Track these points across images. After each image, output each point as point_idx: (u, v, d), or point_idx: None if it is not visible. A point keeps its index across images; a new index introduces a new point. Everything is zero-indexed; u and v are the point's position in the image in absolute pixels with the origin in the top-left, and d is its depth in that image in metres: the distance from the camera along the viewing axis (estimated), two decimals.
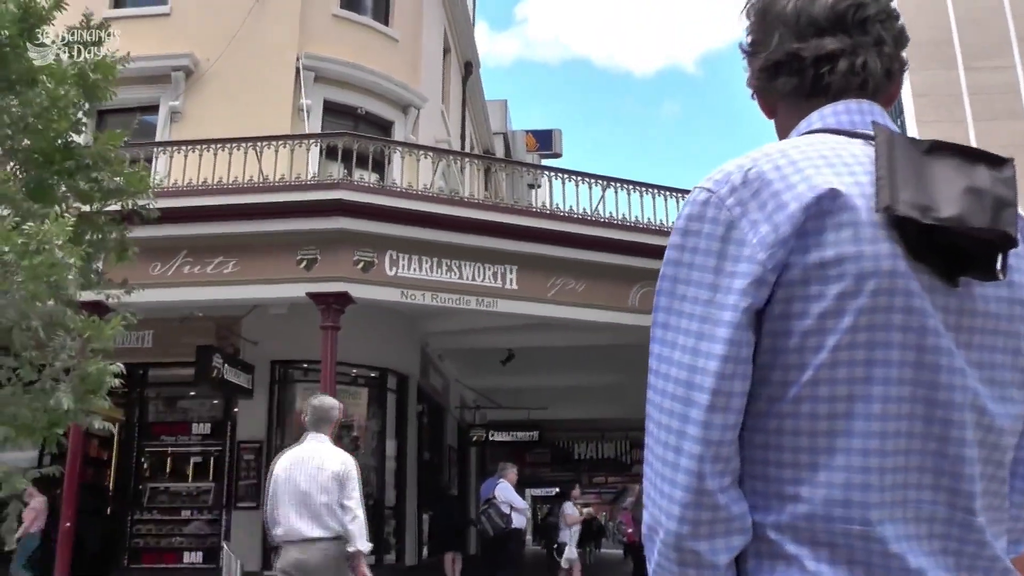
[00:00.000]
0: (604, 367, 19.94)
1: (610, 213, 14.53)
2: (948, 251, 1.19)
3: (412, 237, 12.34)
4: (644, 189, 15.07)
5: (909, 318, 1.18)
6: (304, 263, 11.87)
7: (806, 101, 1.41)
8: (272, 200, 11.92)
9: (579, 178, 14.63)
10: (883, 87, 1.40)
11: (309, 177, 12.66)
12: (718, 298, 1.21)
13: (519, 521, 13.01)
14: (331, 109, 16.27)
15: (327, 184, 12.38)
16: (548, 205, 14.13)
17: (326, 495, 5.83)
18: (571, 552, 14.25)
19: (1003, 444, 1.25)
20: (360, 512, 5.91)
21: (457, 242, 12.68)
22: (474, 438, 22.27)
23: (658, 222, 14.83)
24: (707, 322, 1.21)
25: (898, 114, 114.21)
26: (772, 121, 1.53)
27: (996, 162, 1.22)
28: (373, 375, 15.07)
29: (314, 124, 15.55)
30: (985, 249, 1.18)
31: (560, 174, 14.82)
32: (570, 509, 15.48)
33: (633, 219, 14.62)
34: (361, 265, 12.01)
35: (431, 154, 14.45)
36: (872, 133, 1.29)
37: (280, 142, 12.87)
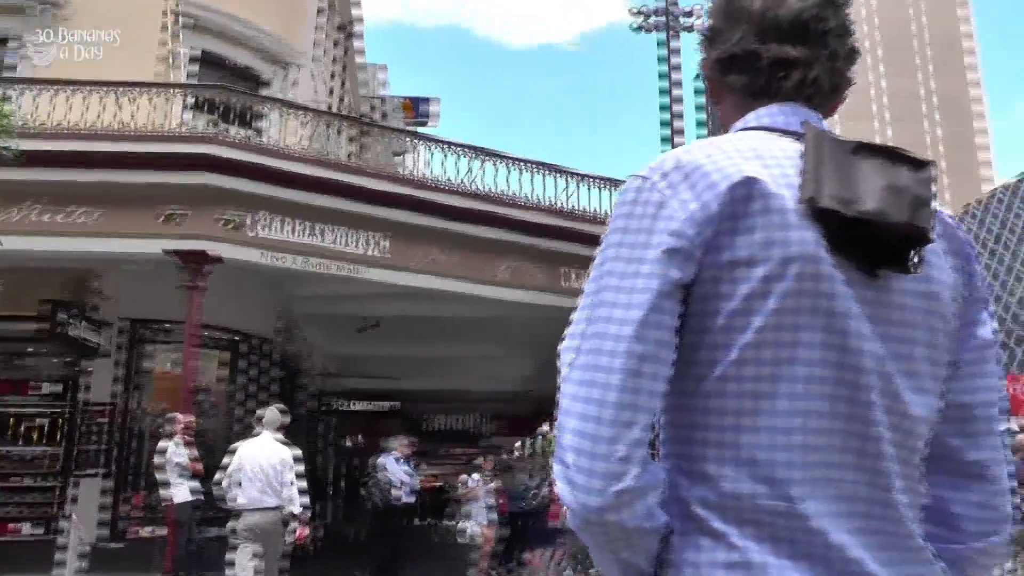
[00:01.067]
0: (465, 339, 19.97)
1: (488, 186, 14.48)
2: (868, 244, 1.25)
3: (283, 198, 11.97)
4: (522, 164, 15.06)
5: (832, 303, 1.23)
6: (169, 218, 11.31)
7: (752, 99, 1.44)
8: (138, 150, 11.29)
9: (458, 149, 14.48)
10: (827, 100, 1.45)
11: (178, 129, 12.03)
12: (644, 269, 1.24)
13: (407, 496, 12.74)
14: (204, 60, 15.65)
15: (197, 137, 11.84)
16: (417, 173, 13.96)
17: (276, 475, 8.61)
18: (473, 527, 13.91)
19: (916, 431, 1.30)
20: (295, 488, 8.69)
21: (329, 206, 12.39)
22: (331, 407, 21.93)
23: (534, 198, 14.85)
24: (633, 292, 1.24)
25: None
26: (716, 104, 1.57)
27: (917, 164, 1.29)
28: (233, 338, 14.58)
29: (186, 74, 14.86)
30: (903, 244, 1.25)
31: (438, 144, 14.61)
32: (472, 482, 14.81)
33: (510, 194, 14.60)
34: (229, 224, 11.55)
35: (307, 114, 13.97)
36: (798, 131, 1.36)
37: (150, 89, 12.21)
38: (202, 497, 10.05)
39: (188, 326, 11.24)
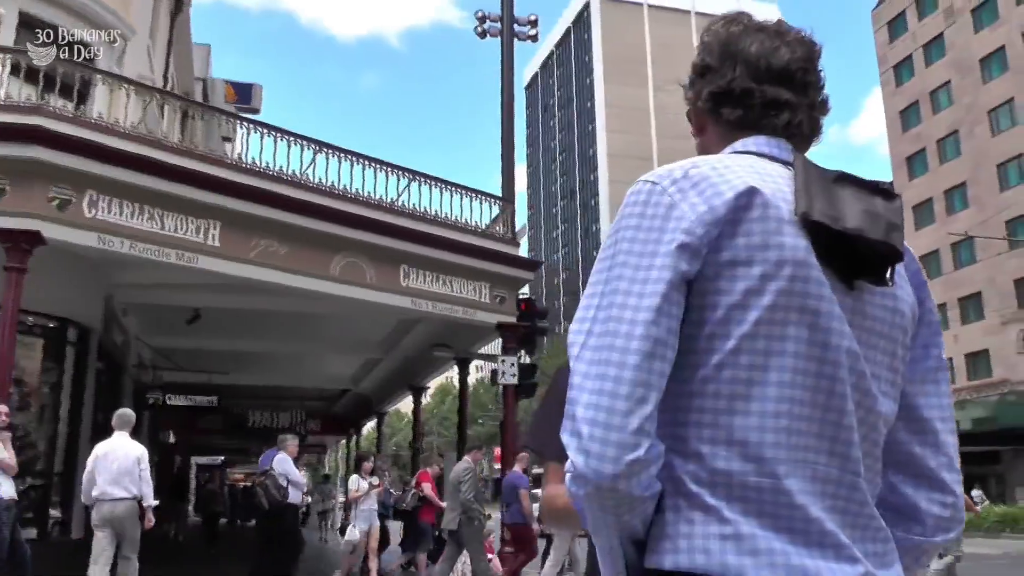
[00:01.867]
0: (289, 335, 19.68)
1: (319, 179, 14.30)
2: (848, 258, 1.43)
3: (116, 179, 11.32)
4: (355, 158, 14.94)
5: (819, 304, 1.40)
6: None
7: (740, 131, 1.62)
8: None
9: (291, 138, 14.19)
10: (805, 144, 1.64)
11: (1, 97, 11.30)
12: (658, 261, 1.39)
13: (295, 496, 12.37)
14: (27, 24, 14.65)
15: (25, 107, 11.05)
16: (244, 160, 13.62)
17: (133, 468, 9.50)
18: (352, 534, 13.47)
19: (879, 427, 1.48)
20: (148, 482, 9.64)
21: (163, 189, 11.81)
22: (150, 400, 21.12)
23: (365, 193, 14.77)
24: (648, 282, 1.39)
25: (589, 121, 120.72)
26: (695, 138, 1.75)
27: (888, 195, 1.49)
28: (52, 325, 13.74)
29: (6, 38, 13.97)
30: (878, 260, 1.45)
31: (273, 132, 14.25)
32: (355, 483, 14.40)
33: (342, 187, 14.47)
34: (57, 202, 10.90)
35: (139, 90, 13.33)
36: (788, 159, 1.54)
37: None
38: (15, 497, 9.45)
39: (7, 311, 10.46)
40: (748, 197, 1.41)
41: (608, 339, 1.37)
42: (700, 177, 1.45)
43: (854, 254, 1.43)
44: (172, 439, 31.82)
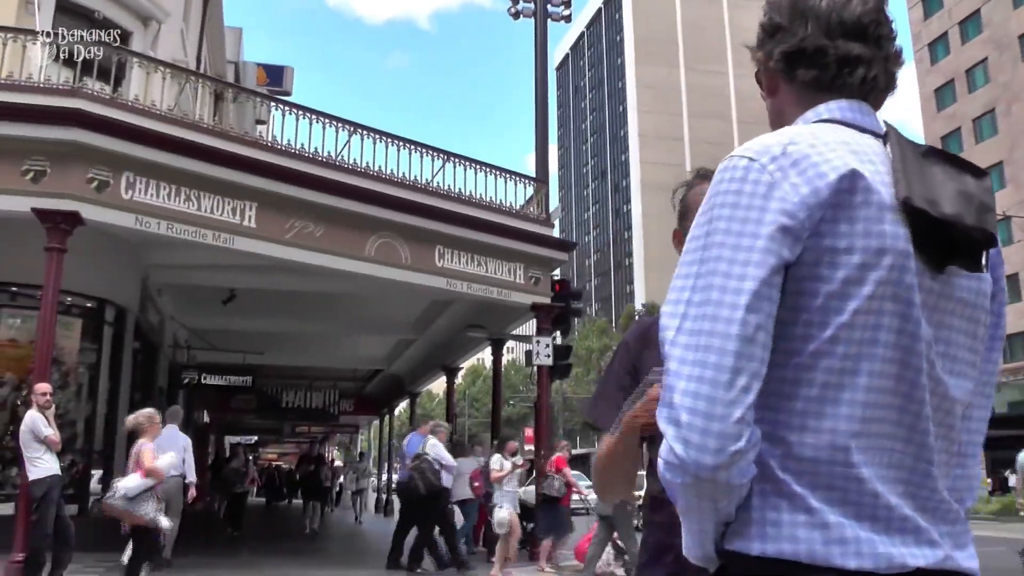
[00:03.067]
0: (323, 315, 19.77)
1: (354, 159, 14.31)
2: (942, 243, 1.39)
3: (153, 160, 11.37)
4: (390, 140, 14.91)
5: (912, 294, 1.38)
6: (31, 174, 10.61)
7: (817, 93, 1.56)
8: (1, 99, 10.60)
9: (325, 120, 14.19)
10: (881, 98, 1.59)
11: (41, 80, 11.36)
12: (759, 243, 1.35)
13: (447, 479, 12.60)
14: (64, 8, 14.76)
15: (65, 90, 11.10)
16: (279, 141, 13.61)
17: (181, 454, 11.57)
18: (501, 513, 13.25)
19: (953, 412, 1.46)
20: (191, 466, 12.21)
21: (199, 171, 11.86)
22: (185, 380, 21.29)
23: (400, 174, 14.76)
24: (748, 264, 1.34)
25: (620, 101, 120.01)
26: (766, 100, 1.69)
27: (978, 173, 1.45)
28: (90, 305, 13.88)
29: (44, 23, 14.03)
30: (970, 245, 1.41)
31: (307, 113, 14.24)
32: (497, 463, 13.70)
33: (376, 168, 14.46)
34: (95, 184, 10.94)
35: (173, 73, 13.31)
36: (874, 130, 1.50)
37: (6, 35, 11.39)
38: (59, 473, 9.58)
39: (47, 291, 10.56)
40: (851, 180, 1.37)
41: (707, 323, 1.34)
42: (800, 155, 1.40)
43: (949, 239, 1.39)
44: (206, 419, 32.12)
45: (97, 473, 13.90)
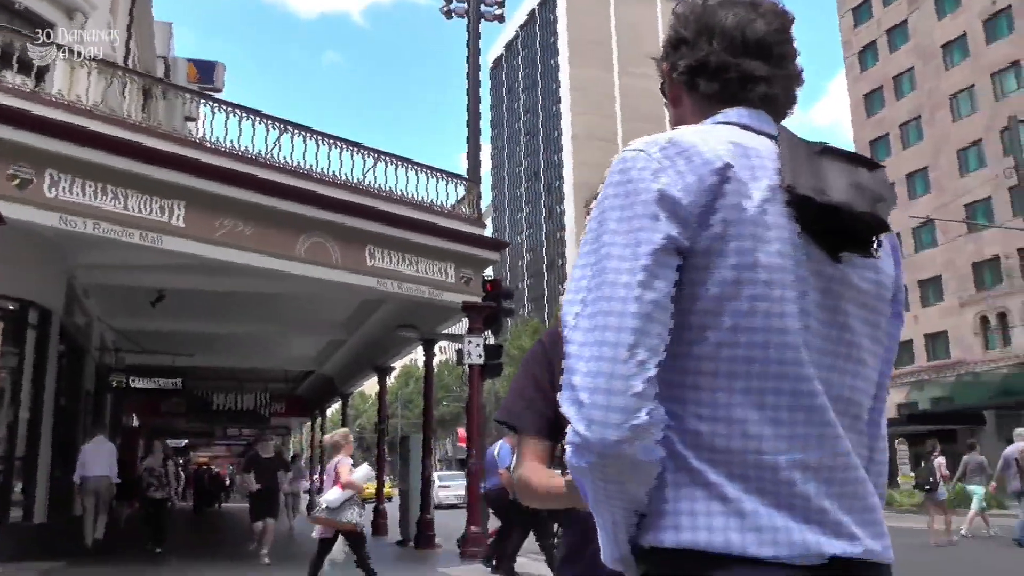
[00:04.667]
0: (254, 316, 19.57)
1: (285, 158, 14.21)
2: (833, 231, 1.42)
3: (78, 157, 11.14)
4: (321, 138, 14.84)
5: (803, 284, 1.40)
6: None
7: (718, 104, 1.60)
8: None
9: (255, 117, 14.06)
10: (781, 113, 1.63)
11: None
12: (646, 223, 1.37)
13: None
14: None
15: None
16: (212, 139, 13.47)
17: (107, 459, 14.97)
18: None
19: (856, 400, 1.49)
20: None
21: (126, 168, 11.65)
22: (113, 383, 20.89)
23: (331, 173, 14.70)
24: (639, 244, 1.36)
25: (554, 102, 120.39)
26: (668, 109, 1.72)
27: (873, 167, 1.48)
28: (11, 307, 13.49)
29: None
30: (863, 232, 1.43)
31: (237, 110, 14.09)
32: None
33: (307, 167, 14.38)
34: (16, 182, 10.72)
35: (99, 67, 13.10)
36: (771, 132, 1.53)
37: None
38: None
39: None
40: (734, 169, 1.40)
41: (604, 304, 1.34)
42: (687, 145, 1.43)
43: (840, 226, 1.41)
44: (135, 422, 31.57)
45: (18, 483, 13.54)
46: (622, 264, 1.36)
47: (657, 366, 1.33)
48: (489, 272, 18.29)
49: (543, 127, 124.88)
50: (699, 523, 1.34)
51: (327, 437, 11.14)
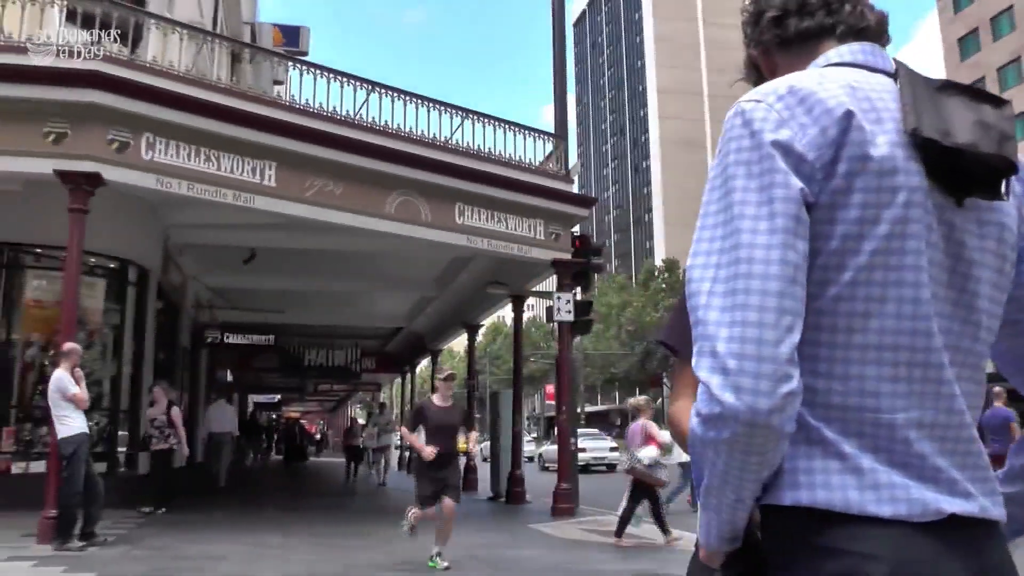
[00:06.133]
0: (344, 273, 19.83)
1: (372, 118, 14.28)
2: (959, 173, 1.35)
3: (172, 121, 11.36)
4: (407, 97, 14.86)
5: (930, 233, 1.35)
6: (52, 136, 10.61)
7: (813, 43, 1.56)
8: (17, 62, 10.59)
9: (343, 79, 14.14)
10: (875, 35, 1.56)
11: (59, 42, 11.32)
12: (779, 179, 1.31)
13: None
14: None
15: (81, 51, 11.11)
16: (297, 102, 13.58)
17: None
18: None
19: (976, 350, 1.42)
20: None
21: (218, 131, 11.84)
22: (208, 339, 21.43)
23: (418, 132, 14.73)
24: (774, 203, 1.30)
25: (639, 57, 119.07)
26: (765, 75, 1.66)
27: (998, 103, 1.40)
28: (113, 266, 13.96)
29: None
30: (990, 174, 1.35)
31: (323, 72, 14.14)
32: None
33: (395, 126, 14.43)
34: (115, 145, 10.94)
35: (190, 33, 13.29)
36: (886, 69, 1.46)
37: None
38: (87, 431, 9.71)
39: (71, 252, 10.60)
40: (859, 116, 1.34)
41: (743, 267, 1.29)
42: (807, 92, 1.37)
43: (966, 169, 1.34)
44: (229, 378, 32.40)
45: (123, 433, 14.05)
46: (758, 224, 1.30)
47: (801, 329, 1.29)
48: (577, 228, 18.18)
49: (628, 82, 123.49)
50: (816, 481, 1.31)
51: (631, 400, 12.32)
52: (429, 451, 8.88)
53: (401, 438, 32.68)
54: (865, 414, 1.32)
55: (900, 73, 1.43)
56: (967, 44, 54.86)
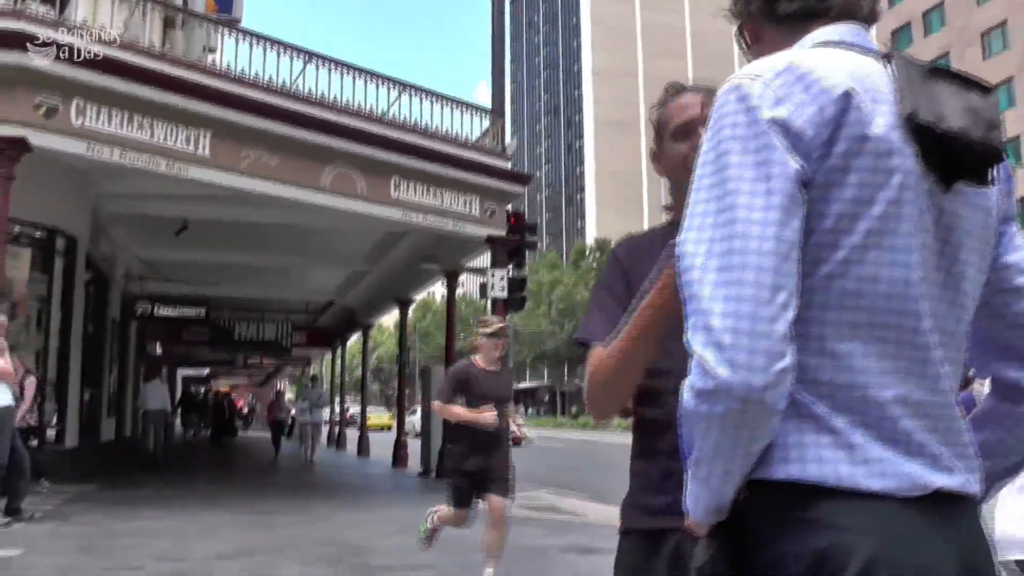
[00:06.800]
0: (277, 246, 19.61)
1: (309, 89, 14.11)
2: (949, 160, 1.36)
3: (104, 86, 11.09)
4: (345, 69, 14.72)
5: (921, 216, 1.37)
6: None
7: (803, 23, 1.54)
8: None
9: (279, 48, 13.94)
10: (870, 17, 1.56)
11: None
12: (776, 156, 1.32)
13: None
14: None
15: (6, 11, 10.76)
16: (236, 70, 13.36)
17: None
18: None
19: (960, 332, 1.46)
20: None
21: (152, 98, 11.59)
22: (138, 311, 21.03)
23: (356, 104, 14.60)
24: (771, 179, 1.31)
25: (574, 37, 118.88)
26: (750, 49, 1.65)
27: (984, 90, 1.41)
28: (39, 235, 13.59)
29: None
30: (978, 160, 1.37)
31: (259, 40, 13.92)
32: None
33: (332, 98, 14.28)
34: (43, 110, 10.67)
35: None
36: (875, 51, 1.47)
37: None
38: (12, 404, 9.44)
39: None
40: (857, 97, 1.35)
41: (739, 242, 1.29)
42: (805, 70, 1.37)
43: (957, 155, 1.36)
44: (159, 351, 31.86)
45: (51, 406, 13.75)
46: (754, 200, 1.30)
47: (796, 307, 1.30)
48: (511, 206, 18.20)
49: (563, 62, 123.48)
50: (808, 455, 1.32)
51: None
52: (491, 415, 6.58)
53: (341, 413, 32.58)
54: (855, 391, 1.34)
55: (893, 56, 1.44)
56: (900, 38, 55.92)
